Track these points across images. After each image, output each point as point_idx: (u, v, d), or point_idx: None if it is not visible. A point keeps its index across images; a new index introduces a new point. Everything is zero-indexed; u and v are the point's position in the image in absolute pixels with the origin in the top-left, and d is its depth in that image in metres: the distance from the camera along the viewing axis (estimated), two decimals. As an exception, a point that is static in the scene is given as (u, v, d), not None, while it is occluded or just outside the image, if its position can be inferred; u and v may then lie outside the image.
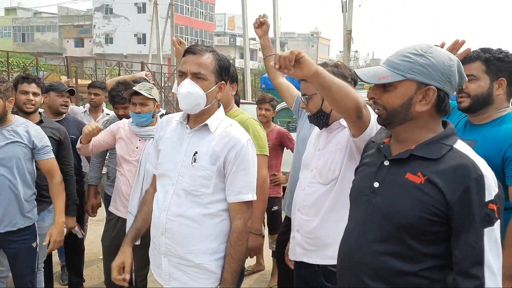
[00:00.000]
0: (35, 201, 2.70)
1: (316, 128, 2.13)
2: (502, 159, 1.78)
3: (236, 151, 1.70)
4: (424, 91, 1.29)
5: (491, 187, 1.22)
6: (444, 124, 1.38)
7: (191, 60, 1.70)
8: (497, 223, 1.23)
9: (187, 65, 1.71)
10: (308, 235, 1.97)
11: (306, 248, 1.98)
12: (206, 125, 1.74)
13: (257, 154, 2.19)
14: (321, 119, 1.99)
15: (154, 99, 2.75)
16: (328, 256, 1.89)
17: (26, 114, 2.89)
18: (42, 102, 3.08)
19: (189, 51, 1.72)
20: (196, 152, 1.72)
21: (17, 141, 2.54)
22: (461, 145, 1.32)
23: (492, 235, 1.21)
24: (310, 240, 1.97)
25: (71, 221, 2.98)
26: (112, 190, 3.03)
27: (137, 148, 2.79)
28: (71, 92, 3.42)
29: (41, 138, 2.64)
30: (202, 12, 44.26)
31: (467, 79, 1.40)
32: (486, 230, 1.20)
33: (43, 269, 3.02)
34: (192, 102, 1.70)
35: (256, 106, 4.08)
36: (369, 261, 1.34)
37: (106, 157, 3.32)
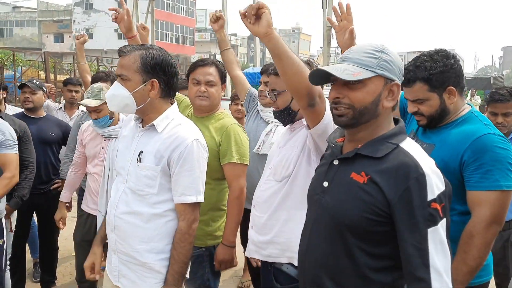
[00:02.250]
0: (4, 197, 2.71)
1: (282, 126, 2.13)
2: (460, 163, 1.69)
3: (180, 151, 1.68)
4: (389, 86, 1.30)
5: (434, 185, 1.19)
6: (396, 122, 1.37)
7: (119, 63, 1.73)
8: (442, 222, 1.20)
9: (117, 68, 1.75)
10: (259, 232, 1.98)
11: (257, 245, 2.00)
12: (153, 125, 1.74)
13: (236, 163, 2.23)
14: (287, 116, 1.99)
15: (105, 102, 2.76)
16: (275, 254, 1.91)
17: None
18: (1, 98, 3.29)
19: (118, 53, 1.73)
20: (141, 152, 1.73)
21: None
22: (407, 144, 1.30)
23: (436, 235, 1.18)
24: (260, 237, 1.97)
25: (10, 210, 2.88)
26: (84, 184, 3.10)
27: (102, 148, 2.86)
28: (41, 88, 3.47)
29: (4, 132, 2.62)
30: (183, 7, 43.82)
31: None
32: (430, 230, 1.18)
33: (8, 266, 3.02)
34: (119, 103, 1.72)
35: (231, 102, 4.07)
36: (322, 261, 1.35)
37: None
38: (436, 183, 1.20)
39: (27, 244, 3.59)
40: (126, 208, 1.74)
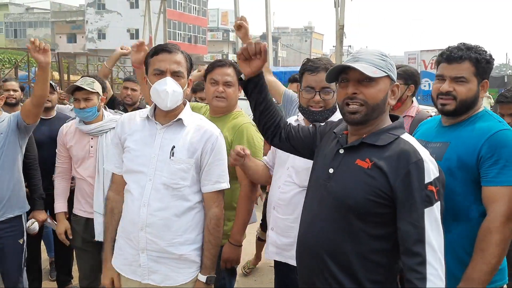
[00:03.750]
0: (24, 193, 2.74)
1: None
2: (477, 159, 1.69)
3: (211, 142, 1.81)
4: (392, 87, 1.48)
5: (431, 170, 1.34)
6: (395, 118, 1.52)
7: (168, 59, 1.75)
8: (437, 204, 1.34)
9: (165, 63, 1.75)
10: (283, 234, 1.97)
11: (280, 247, 1.98)
12: (180, 119, 1.81)
13: None
14: (329, 115, 2.00)
15: (97, 92, 2.67)
16: None
17: (11, 107, 3.20)
18: (22, 96, 3.45)
19: (164, 49, 1.76)
20: (173, 147, 1.78)
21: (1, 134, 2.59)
22: (407, 136, 1.46)
23: (432, 215, 1.32)
24: (284, 238, 1.97)
25: (41, 215, 2.93)
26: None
27: (92, 147, 2.70)
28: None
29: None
30: (195, 7, 43.97)
31: None
32: (426, 210, 1.32)
33: (24, 266, 3.03)
34: (177, 100, 1.78)
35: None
36: (323, 240, 1.46)
37: None
38: (432, 169, 1.34)
39: (42, 244, 3.63)
40: (160, 204, 1.76)
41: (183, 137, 1.79)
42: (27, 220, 2.87)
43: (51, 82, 3.48)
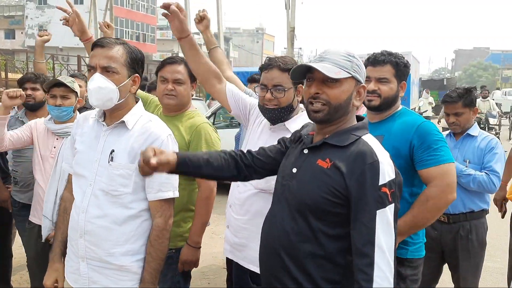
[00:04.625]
0: None
1: (260, 123, 2.10)
2: (409, 148, 1.94)
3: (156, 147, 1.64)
4: (358, 88, 1.47)
5: (386, 172, 1.34)
6: (359, 120, 1.53)
7: (100, 54, 1.64)
8: (390, 206, 1.34)
9: (96, 58, 1.64)
10: (235, 234, 1.96)
11: (233, 246, 1.98)
12: (123, 121, 1.68)
13: None
14: (285, 114, 1.96)
15: (76, 93, 2.61)
16: (250, 258, 1.89)
17: None
18: None
19: (97, 44, 1.65)
20: (112, 151, 1.66)
21: None
22: (368, 137, 1.45)
23: (384, 217, 1.32)
24: (236, 238, 1.96)
25: None
26: (22, 196, 2.85)
27: (54, 147, 2.61)
28: None
29: None
30: (144, 5, 42.96)
31: None
32: (378, 211, 1.32)
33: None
34: (104, 97, 1.63)
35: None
36: (282, 238, 1.45)
37: (11, 158, 3.06)
38: (387, 171, 1.35)
39: (18, 239, 3.35)
40: (99, 211, 1.65)
41: (125, 141, 1.67)
42: None
43: None
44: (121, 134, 1.68)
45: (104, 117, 1.73)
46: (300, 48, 51.96)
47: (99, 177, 1.66)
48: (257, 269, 1.85)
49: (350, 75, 1.42)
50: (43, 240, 2.50)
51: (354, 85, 1.45)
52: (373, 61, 2.04)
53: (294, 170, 1.49)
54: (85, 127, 1.78)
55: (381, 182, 1.33)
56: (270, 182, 1.80)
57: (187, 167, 1.52)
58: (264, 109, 2.00)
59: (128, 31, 40.35)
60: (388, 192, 1.33)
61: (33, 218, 2.70)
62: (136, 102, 1.76)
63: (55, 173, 2.53)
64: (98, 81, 1.62)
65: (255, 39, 61.21)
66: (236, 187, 2.02)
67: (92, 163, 1.68)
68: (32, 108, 3.11)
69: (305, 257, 1.40)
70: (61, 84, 2.53)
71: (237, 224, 1.96)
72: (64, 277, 1.79)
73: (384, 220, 1.32)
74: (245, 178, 1.67)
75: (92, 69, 1.65)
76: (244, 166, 1.63)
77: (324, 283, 1.39)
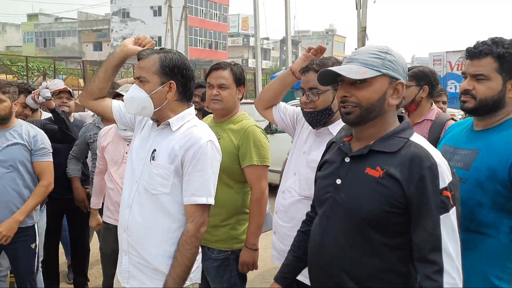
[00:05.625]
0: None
1: (307, 128, 2.08)
2: (509, 171, 1.50)
3: (193, 151, 1.66)
4: (394, 85, 1.37)
5: (445, 174, 1.27)
6: (401, 119, 1.43)
7: (138, 65, 1.73)
8: (453, 210, 1.27)
9: (136, 70, 1.75)
10: (282, 240, 1.95)
11: (280, 253, 1.96)
12: (169, 123, 1.73)
13: (256, 165, 2.20)
14: (324, 118, 1.92)
15: None
16: None
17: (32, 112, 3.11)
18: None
19: (138, 57, 1.74)
20: (154, 150, 1.72)
21: (18, 143, 2.64)
22: (416, 137, 1.37)
23: (448, 222, 1.25)
24: (282, 245, 1.94)
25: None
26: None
27: (126, 153, 2.70)
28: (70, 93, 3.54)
29: (41, 140, 2.74)
30: (216, 13, 44.38)
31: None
32: (442, 216, 1.25)
33: (41, 269, 3.10)
34: (137, 106, 1.70)
35: None
36: (338, 257, 1.37)
37: (90, 159, 3.32)
38: (446, 173, 1.27)
39: (61, 247, 3.71)
40: (140, 208, 1.72)
41: (167, 142, 1.71)
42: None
43: (69, 88, 3.57)
44: (166, 135, 1.73)
45: (157, 119, 1.80)
46: (373, 48, 50.06)
47: (143, 175, 1.72)
48: (303, 279, 1.82)
49: (380, 73, 1.33)
50: None
51: (388, 83, 1.35)
52: (469, 53, 1.63)
53: (338, 181, 1.40)
54: (145, 126, 1.86)
55: (441, 186, 1.25)
56: (312, 189, 1.75)
57: (291, 278, 1.65)
58: (303, 113, 1.99)
59: (201, 39, 42.00)
60: (449, 195, 1.26)
61: (108, 219, 2.86)
62: (187, 107, 1.79)
63: None
64: (131, 91, 1.72)
65: (325, 41, 60.33)
66: (281, 193, 2.01)
67: (139, 161, 1.75)
68: None
69: (367, 272, 1.33)
70: (120, 94, 2.66)
71: (283, 231, 1.95)
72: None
73: (449, 225, 1.25)
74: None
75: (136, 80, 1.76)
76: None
77: None
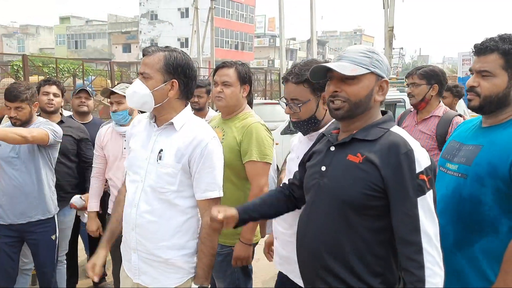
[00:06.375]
0: (54, 196, 2.90)
1: (298, 135, 2.05)
2: (510, 168, 1.49)
3: (200, 149, 1.73)
4: (380, 83, 1.48)
5: (421, 160, 1.35)
6: (384, 114, 1.53)
7: (142, 61, 1.78)
8: (429, 193, 1.34)
9: (141, 66, 1.79)
10: (283, 246, 1.95)
11: (282, 258, 1.97)
12: (172, 123, 1.78)
13: (256, 161, 2.22)
14: (311, 126, 1.87)
15: None
16: (298, 273, 1.81)
17: (48, 114, 3.14)
18: (62, 103, 3.29)
19: (143, 52, 1.79)
20: (161, 150, 1.77)
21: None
22: (396, 129, 1.47)
23: (425, 203, 1.33)
24: (284, 251, 1.94)
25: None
26: None
27: (124, 148, 2.78)
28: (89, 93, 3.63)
29: (55, 128, 2.82)
30: (243, 14, 44.58)
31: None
32: (419, 199, 1.32)
33: (65, 262, 3.21)
34: (138, 100, 1.76)
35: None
36: (322, 237, 1.46)
37: None
38: (422, 158, 1.35)
39: (81, 242, 3.82)
40: (148, 206, 1.77)
41: (172, 141, 1.77)
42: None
43: (87, 88, 3.68)
44: (169, 134, 1.79)
45: (155, 119, 1.86)
46: (401, 48, 49.27)
47: (149, 174, 1.78)
48: (300, 282, 1.82)
49: (369, 71, 1.44)
50: None
51: (375, 81, 1.46)
52: (477, 49, 1.63)
53: (323, 168, 1.50)
54: (140, 127, 1.92)
55: (417, 170, 1.33)
56: None
57: (249, 216, 1.70)
58: (291, 121, 1.96)
59: (228, 40, 42.31)
60: (426, 179, 1.33)
61: (110, 211, 2.90)
62: (185, 106, 1.85)
63: None
64: (134, 85, 1.78)
65: (353, 41, 59.69)
66: None
67: (143, 161, 1.81)
68: None
69: (348, 254, 1.41)
70: (114, 92, 2.75)
71: (284, 238, 1.95)
72: (105, 261, 1.94)
73: (426, 207, 1.32)
74: (296, 208, 1.76)
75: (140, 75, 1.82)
76: (295, 199, 1.75)
77: (368, 276, 1.40)
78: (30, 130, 2.63)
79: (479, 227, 1.57)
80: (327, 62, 1.94)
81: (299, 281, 1.86)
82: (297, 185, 1.74)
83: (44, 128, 2.71)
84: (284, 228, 1.94)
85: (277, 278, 2.09)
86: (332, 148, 1.51)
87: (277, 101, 10.34)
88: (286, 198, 1.76)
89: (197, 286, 1.77)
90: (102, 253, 1.93)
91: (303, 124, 1.88)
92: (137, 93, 1.75)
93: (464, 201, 1.60)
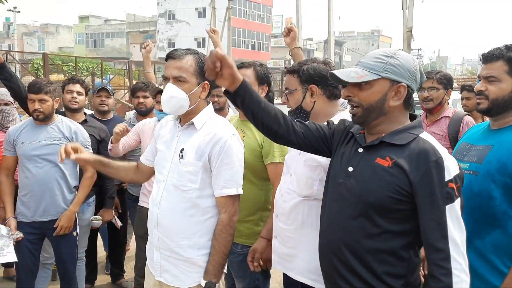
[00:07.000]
0: (76, 193, 2.94)
1: None
2: None
3: (219, 146, 1.76)
4: (396, 88, 1.47)
5: (451, 168, 1.37)
6: (413, 118, 1.54)
7: (172, 65, 1.79)
8: (457, 201, 1.37)
9: (168, 69, 1.79)
10: (283, 243, 1.94)
11: (281, 256, 1.96)
12: (193, 123, 1.82)
13: (278, 163, 2.22)
14: (300, 116, 1.92)
15: None
16: (300, 269, 1.86)
17: (72, 112, 3.19)
18: (86, 101, 3.35)
19: (170, 56, 1.80)
20: (182, 149, 1.80)
21: (60, 138, 2.80)
22: (425, 135, 1.48)
23: (453, 211, 1.35)
24: (285, 248, 1.94)
25: (108, 214, 3.27)
26: (135, 190, 3.28)
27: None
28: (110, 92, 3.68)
29: (81, 135, 2.89)
30: (260, 14, 44.59)
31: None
32: (447, 207, 1.35)
33: (84, 258, 3.26)
34: (176, 104, 1.78)
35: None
36: (344, 237, 1.49)
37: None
38: (452, 166, 1.37)
39: (100, 239, 3.87)
40: (169, 205, 1.80)
41: (193, 140, 1.80)
42: (96, 214, 3.23)
43: (107, 87, 3.72)
44: (191, 134, 1.83)
45: (180, 119, 1.90)
46: (420, 49, 48.66)
47: (171, 173, 1.81)
48: (306, 280, 1.84)
49: (379, 77, 1.45)
50: None
51: (389, 86, 1.46)
52: (484, 57, 1.81)
53: (350, 169, 1.51)
54: (166, 129, 1.96)
55: (447, 178, 1.35)
56: (312, 188, 1.81)
57: (249, 95, 1.52)
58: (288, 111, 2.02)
59: (245, 40, 42.38)
60: (454, 187, 1.35)
61: (142, 203, 3.10)
62: (207, 104, 1.89)
63: None
64: (170, 90, 1.78)
65: (371, 41, 59.18)
66: (280, 196, 1.99)
67: (167, 161, 1.85)
68: (143, 113, 3.52)
69: (368, 253, 1.43)
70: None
71: (285, 234, 1.94)
72: (90, 157, 2.04)
73: (454, 214, 1.34)
74: (289, 137, 1.62)
75: (166, 79, 1.82)
76: (293, 128, 1.61)
77: (388, 277, 1.42)
78: (91, 178, 2.91)
79: (489, 220, 1.67)
80: (330, 62, 2.01)
81: (300, 278, 1.87)
82: (303, 126, 1.64)
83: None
84: (286, 225, 1.92)
85: (283, 278, 2.08)
86: (360, 150, 1.53)
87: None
88: (287, 121, 1.60)
89: (204, 281, 1.78)
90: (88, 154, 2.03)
91: (294, 114, 1.95)
92: (175, 97, 1.77)
93: (475, 196, 1.69)
